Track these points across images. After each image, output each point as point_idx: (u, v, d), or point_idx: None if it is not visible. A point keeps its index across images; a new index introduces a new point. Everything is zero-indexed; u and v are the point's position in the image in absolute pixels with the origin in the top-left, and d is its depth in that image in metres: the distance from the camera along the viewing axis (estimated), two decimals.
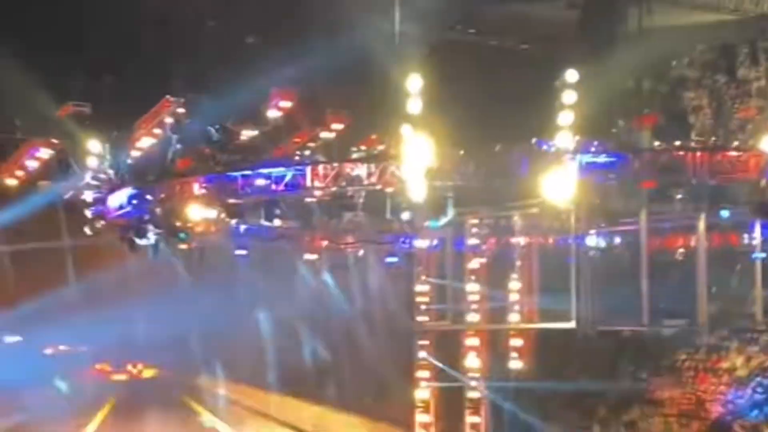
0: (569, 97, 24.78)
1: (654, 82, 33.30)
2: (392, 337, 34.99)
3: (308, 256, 33.66)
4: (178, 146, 27.95)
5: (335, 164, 26.27)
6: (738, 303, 31.87)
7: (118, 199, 28.60)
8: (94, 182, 29.33)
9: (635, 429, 36.07)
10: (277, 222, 29.42)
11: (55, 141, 30.29)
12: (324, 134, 31.13)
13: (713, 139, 31.05)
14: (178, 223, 28.81)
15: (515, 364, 34.28)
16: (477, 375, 34.49)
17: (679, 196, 27.32)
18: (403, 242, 34.24)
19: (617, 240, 32.80)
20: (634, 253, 30.67)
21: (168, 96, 28.77)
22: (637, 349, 37.21)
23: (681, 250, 32.43)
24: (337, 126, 31.07)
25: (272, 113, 30.24)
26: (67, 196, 29.91)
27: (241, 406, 36.24)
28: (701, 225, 28.86)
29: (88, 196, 29.56)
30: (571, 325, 29.75)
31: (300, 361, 35.87)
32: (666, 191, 27.06)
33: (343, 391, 34.87)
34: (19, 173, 30.97)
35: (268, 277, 34.17)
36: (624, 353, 37.37)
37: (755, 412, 31.97)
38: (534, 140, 25.59)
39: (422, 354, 34.72)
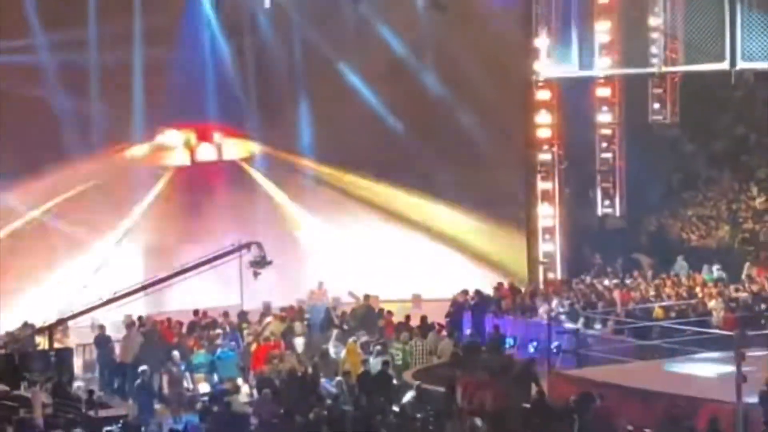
0: None
1: None
2: (506, 89, 34.82)
3: None
4: None
5: None
6: None
7: None
8: None
9: None
10: None
11: None
12: None
13: None
14: None
15: (657, 116, 33.92)
16: (609, 132, 34.40)
17: None
18: None
19: None
20: None
21: None
22: None
23: None
24: None
25: None
26: None
27: None
28: None
29: None
30: (724, 65, 29.27)
31: None
32: None
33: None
34: None
35: None
36: None
37: None
38: None
39: (542, 111, 34.68)
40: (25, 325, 28.24)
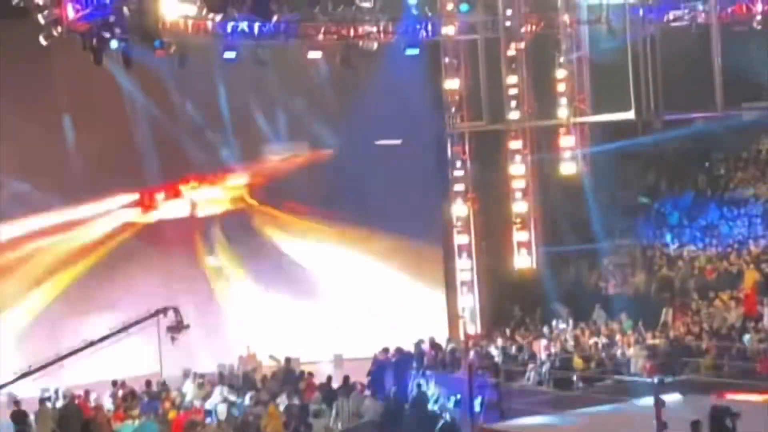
0: None
1: None
2: (419, 144, 35.07)
3: (312, 54, 33.24)
4: None
5: None
6: None
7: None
8: None
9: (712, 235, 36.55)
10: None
11: None
12: None
13: None
14: (150, 24, 28.58)
15: (568, 168, 34.32)
16: (522, 185, 34.77)
17: None
18: (425, 29, 33.81)
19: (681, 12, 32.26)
20: (702, 26, 30.46)
21: None
22: (711, 141, 37.36)
23: (758, 17, 31.89)
24: None
25: None
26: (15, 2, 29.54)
27: None
28: None
29: None
30: (630, 115, 29.72)
31: None
32: None
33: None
34: None
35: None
36: (696, 146, 37.49)
37: None
38: None
39: (458, 164, 34.91)
40: None
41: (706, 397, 23.82)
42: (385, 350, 31.03)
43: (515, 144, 34.57)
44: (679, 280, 35.09)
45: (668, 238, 37.45)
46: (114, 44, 28.51)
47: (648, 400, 20.77)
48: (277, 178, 35.65)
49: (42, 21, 28.69)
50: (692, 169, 38.58)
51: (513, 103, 33.58)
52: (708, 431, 20.05)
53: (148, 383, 29.14)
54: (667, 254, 36.86)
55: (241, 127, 35.26)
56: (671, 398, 21.64)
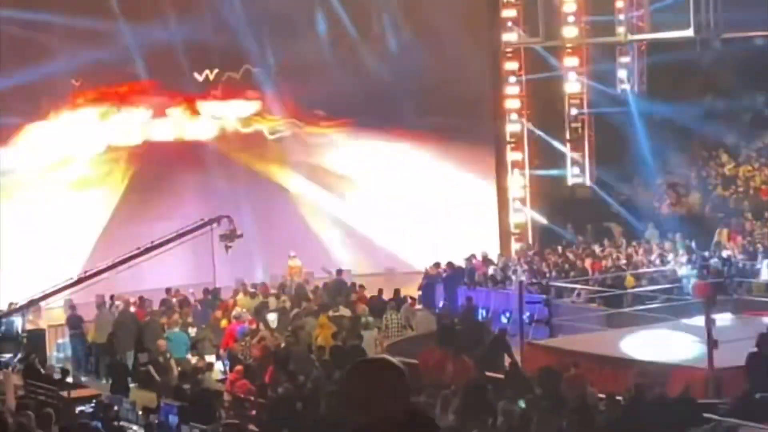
0: None
1: None
2: (475, 58, 34.67)
3: None
4: None
5: None
6: None
7: None
8: None
9: None
10: None
11: None
12: None
13: None
14: None
15: (625, 85, 33.88)
16: (577, 102, 34.39)
17: None
18: None
19: None
20: None
21: None
22: None
23: None
24: None
25: None
26: None
27: None
28: None
29: None
30: (689, 33, 29.21)
31: None
32: None
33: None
34: None
35: None
36: (754, 66, 36.82)
37: None
38: None
39: (511, 80, 34.57)
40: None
41: (757, 317, 23.66)
42: (437, 265, 30.93)
43: (571, 61, 34.18)
44: (734, 200, 34.70)
45: (724, 157, 36.94)
46: None
47: (699, 319, 20.63)
48: (329, 84, 35.09)
49: None
50: (751, 89, 37.91)
51: (570, 19, 33.11)
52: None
53: (206, 291, 29.11)
54: (722, 174, 36.41)
55: (297, 31, 34.76)
56: (722, 317, 21.48)
